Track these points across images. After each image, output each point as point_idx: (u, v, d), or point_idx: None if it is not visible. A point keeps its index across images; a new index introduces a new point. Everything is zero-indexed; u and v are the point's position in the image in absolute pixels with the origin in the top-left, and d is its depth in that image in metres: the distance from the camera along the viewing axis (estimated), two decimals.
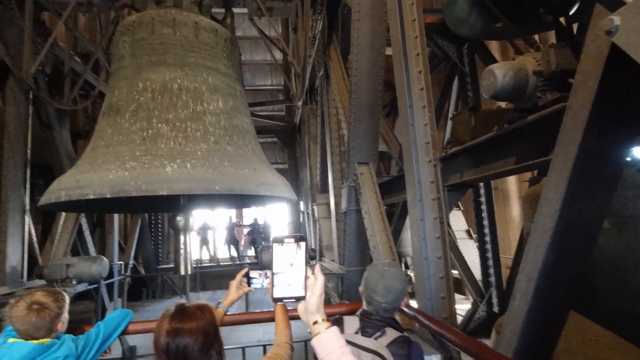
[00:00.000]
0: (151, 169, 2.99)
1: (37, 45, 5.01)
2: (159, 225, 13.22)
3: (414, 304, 2.45)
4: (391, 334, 1.59)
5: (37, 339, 1.54)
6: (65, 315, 1.65)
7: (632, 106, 1.22)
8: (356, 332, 1.62)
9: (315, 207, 7.02)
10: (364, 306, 1.73)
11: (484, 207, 6.51)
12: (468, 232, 8.66)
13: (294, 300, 0.97)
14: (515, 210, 11.15)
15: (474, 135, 2.47)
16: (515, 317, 1.49)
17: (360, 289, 1.77)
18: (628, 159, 1.63)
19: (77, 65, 6.31)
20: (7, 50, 4.48)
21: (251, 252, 15.40)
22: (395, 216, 6.46)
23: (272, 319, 2.42)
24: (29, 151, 5.03)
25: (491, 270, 6.51)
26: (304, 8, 4.67)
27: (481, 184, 6.30)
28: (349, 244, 4.54)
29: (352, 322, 1.67)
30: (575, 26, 2.61)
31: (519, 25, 2.73)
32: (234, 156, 3.46)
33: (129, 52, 3.71)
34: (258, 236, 14.75)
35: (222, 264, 13.89)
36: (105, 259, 5.42)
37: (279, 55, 10.70)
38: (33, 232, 5.12)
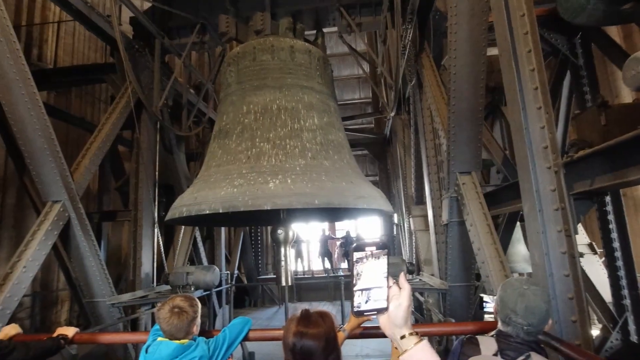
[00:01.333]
0: (256, 185, 3.21)
1: (162, 82, 5.85)
2: (259, 238, 14.12)
3: None
4: (537, 359, 1.42)
5: (178, 339, 1.76)
6: (199, 320, 1.85)
7: None
8: (495, 354, 1.47)
9: (411, 219, 6.81)
10: (500, 326, 1.56)
11: (611, 217, 5.59)
12: (590, 246, 7.53)
13: (376, 313, 0.88)
14: None
15: (605, 136, 2.15)
16: None
17: (495, 307, 1.62)
18: None
19: (191, 96, 7.18)
20: (142, 89, 5.32)
21: (344, 264, 15.51)
22: (500, 228, 5.92)
23: (367, 335, 2.40)
24: (157, 173, 5.86)
25: (625, 292, 5.53)
26: (393, 19, 4.65)
27: None
28: (452, 258, 4.28)
29: (488, 343, 1.52)
30: None
31: None
32: (331, 170, 3.55)
33: (235, 79, 4.09)
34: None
35: (316, 275, 14.22)
36: (217, 268, 5.95)
37: (366, 67, 10.81)
38: (161, 243, 5.90)
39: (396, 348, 0.93)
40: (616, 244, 5.57)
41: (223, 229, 9.59)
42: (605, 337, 5.68)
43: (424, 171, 5.49)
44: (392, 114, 5.81)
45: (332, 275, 13.74)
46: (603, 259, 6.11)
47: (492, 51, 3.60)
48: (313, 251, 16.01)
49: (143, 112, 5.76)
